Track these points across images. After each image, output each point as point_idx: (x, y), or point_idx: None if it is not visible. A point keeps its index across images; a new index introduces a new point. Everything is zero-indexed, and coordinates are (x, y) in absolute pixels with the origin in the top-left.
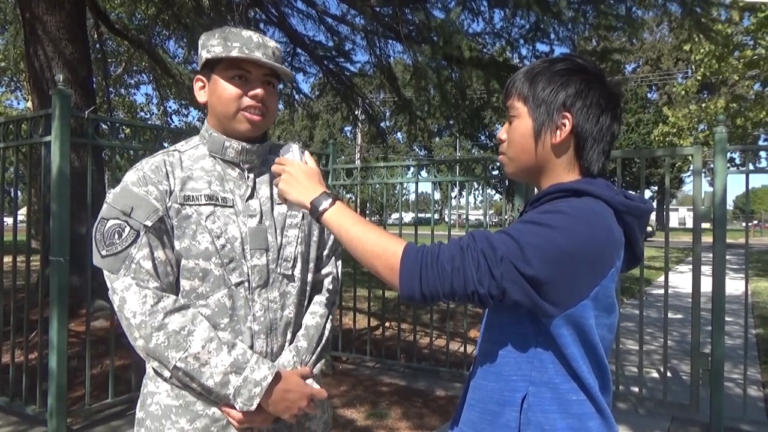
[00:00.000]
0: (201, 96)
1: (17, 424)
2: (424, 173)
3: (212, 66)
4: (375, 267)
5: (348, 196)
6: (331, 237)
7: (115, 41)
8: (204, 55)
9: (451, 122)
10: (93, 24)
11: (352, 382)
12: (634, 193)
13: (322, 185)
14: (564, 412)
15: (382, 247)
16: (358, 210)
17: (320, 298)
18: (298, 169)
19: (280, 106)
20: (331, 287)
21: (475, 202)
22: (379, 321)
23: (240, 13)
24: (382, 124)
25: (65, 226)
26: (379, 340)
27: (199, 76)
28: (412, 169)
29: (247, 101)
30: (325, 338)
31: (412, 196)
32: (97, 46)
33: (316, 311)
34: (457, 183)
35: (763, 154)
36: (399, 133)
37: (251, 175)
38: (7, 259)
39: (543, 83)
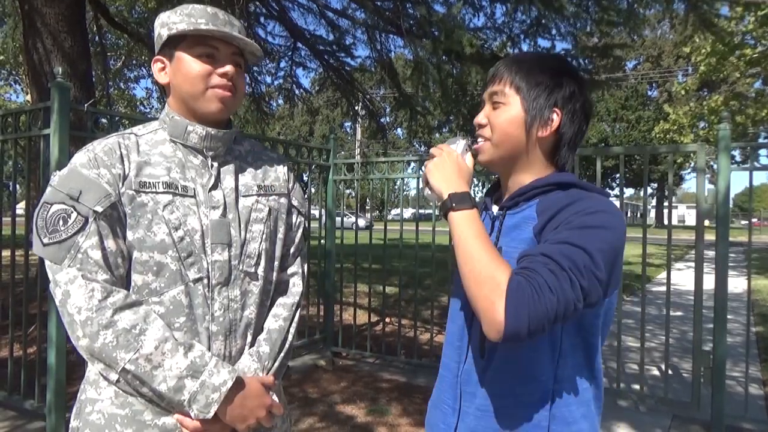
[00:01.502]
0: (162, 77)
1: (15, 419)
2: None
3: (175, 44)
4: (473, 295)
5: (348, 191)
6: (298, 235)
7: (115, 34)
8: (164, 32)
9: (452, 118)
10: (92, 17)
11: (352, 378)
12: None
13: (469, 186)
14: (579, 401)
15: (486, 274)
16: (358, 206)
17: (284, 300)
18: (454, 159)
19: (281, 101)
20: (295, 289)
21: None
22: (380, 317)
23: (240, 7)
24: (382, 120)
25: None
26: (379, 336)
27: (159, 57)
28: (412, 164)
29: (216, 80)
30: (288, 344)
31: (413, 192)
32: (97, 39)
33: (280, 314)
34: None
35: (762, 152)
36: (399, 129)
37: (215, 164)
38: (6, 253)
39: (539, 77)
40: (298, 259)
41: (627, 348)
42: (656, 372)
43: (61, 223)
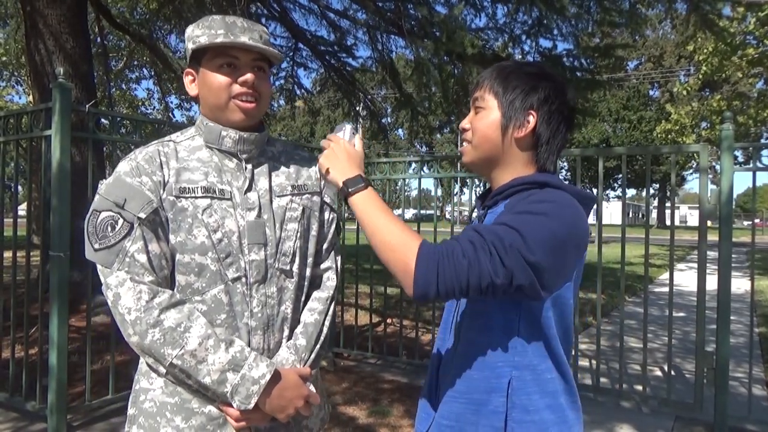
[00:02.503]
0: (192, 89)
1: (17, 420)
2: (426, 169)
3: (199, 57)
4: (388, 260)
5: None
6: (331, 231)
7: (117, 36)
8: (190, 47)
9: (453, 118)
10: (94, 18)
11: (354, 379)
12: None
13: (360, 169)
14: (542, 391)
15: (397, 241)
16: None
17: (319, 294)
18: (342, 147)
19: (281, 102)
20: (330, 283)
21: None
22: (381, 317)
23: (242, 8)
24: (383, 120)
25: (66, 220)
26: (380, 337)
27: (189, 69)
28: (414, 165)
29: (237, 89)
30: (323, 336)
31: (414, 193)
32: (98, 40)
33: (315, 308)
34: (459, 179)
35: (765, 152)
36: (400, 130)
37: (249, 166)
38: (7, 254)
39: (515, 82)
40: (332, 253)
41: (629, 349)
42: (659, 373)
43: (109, 229)
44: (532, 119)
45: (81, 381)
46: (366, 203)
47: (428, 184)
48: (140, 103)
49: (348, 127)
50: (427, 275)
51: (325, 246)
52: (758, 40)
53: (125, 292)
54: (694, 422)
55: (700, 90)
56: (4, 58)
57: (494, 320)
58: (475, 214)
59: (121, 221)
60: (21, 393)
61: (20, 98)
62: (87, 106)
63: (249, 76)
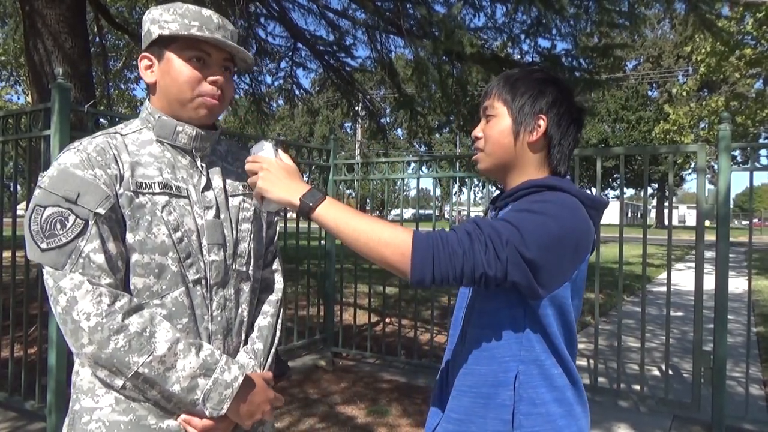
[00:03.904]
0: (148, 76)
1: (16, 420)
2: (425, 169)
3: (165, 43)
4: (383, 255)
5: (348, 192)
6: (276, 233)
7: (116, 35)
8: (155, 30)
9: (452, 118)
10: (93, 18)
11: (353, 379)
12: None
13: (303, 182)
14: (549, 385)
15: (389, 236)
16: (358, 206)
17: (269, 297)
18: (277, 166)
19: (281, 102)
20: (278, 285)
21: (475, 199)
22: (380, 317)
23: (240, 7)
24: (382, 120)
25: None
26: (379, 337)
27: (147, 54)
28: (413, 165)
29: (205, 86)
30: (277, 339)
31: (413, 192)
32: (97, 40)
33: (267, 311)
34: (458, 179)
35: (763, 152)
36: (399, 130)
37: (203, 164)
38: (7, 254)
39: (523, 88)
40: (276, 256)
41: (627, 348)
42: (656, 372)
43: (58, 226)
44: (542, 123)
45: None
46: (335, 212)
47: (427, 183)
48: (139, 103)
49: (268, 144)
50: (423, 262)
51: (270, 248)
52: (756, 40)
53: (82, 296)
54: (691, 421)
55: (698, 90)
56: (2, 58)
57: (502, 317)
58: (487, 216)
59: (72, 218)
60: (20, 392)
61: (19, 98)
62: (86, 106)
63: (220, 77)
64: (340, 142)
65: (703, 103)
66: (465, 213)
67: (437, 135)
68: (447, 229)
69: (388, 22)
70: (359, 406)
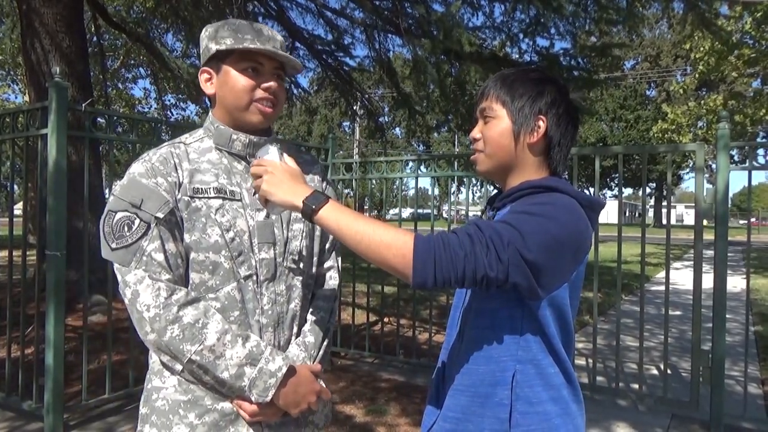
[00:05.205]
0: (208, 88)
1: (13, 420)
2: (423, 168)
3: (222, 57)
4: (385, 257)
5: (346, 191)
6: None
7: (113, 35)
8: (213, 46)
9: (450, 117)
10: (90, 17)
11: (351, 378)
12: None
13: (307, 185)
14: (545, 384)
15: (391, 238)
16: (356, 206)
17: (323, 292)
18: (281, 170)
19: None
20: (333, 281)
21: (473, 198)
22: (378, 316)
23: (238, 7)
24: (380, 119)
25: (62, 220)
26: (378, 336)
27: (206, 68)
28: (411, 164)
29: (260, 93)
30: (330, 333)
31: (411, 192)
32: (95, 39)
33: (321, 306)
34: (456, 178)
35: (761, 151)
36: (397, 129)
37: None
38: (3, 253)
39: (521, 89)
40: (333, 253)
41: (626, 347)
42: (655, 371)
43: (126, 229)
44: (542, 124)
45: (77, 380)
46: (338, 214)
47: (425, 183)
48: (137, 102)
49: (273, 148)
50: (425, 264)
51: (327, 246)
52: (754, 40)
53: (144, 290)
54: (690, 420)
55: (696, 89)
56: (0, 57)
57: (499, 317)
58: (484, 217)
59: (137, 221)
60: (18, 392)
61: (16, 97)
62: (83, 105)
63: (273, 83)
64: (339, 141)
65: (702, 102)
66: (463, 212)
67: (435, 134)
68: (445, 229)
69: (386, 21)
70: (358, 405)
